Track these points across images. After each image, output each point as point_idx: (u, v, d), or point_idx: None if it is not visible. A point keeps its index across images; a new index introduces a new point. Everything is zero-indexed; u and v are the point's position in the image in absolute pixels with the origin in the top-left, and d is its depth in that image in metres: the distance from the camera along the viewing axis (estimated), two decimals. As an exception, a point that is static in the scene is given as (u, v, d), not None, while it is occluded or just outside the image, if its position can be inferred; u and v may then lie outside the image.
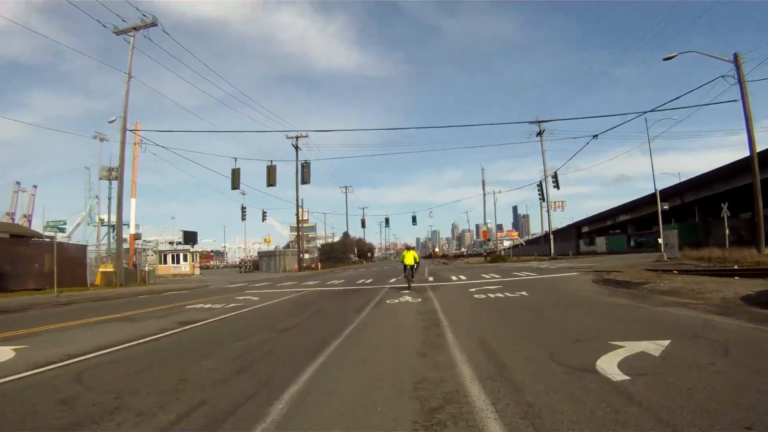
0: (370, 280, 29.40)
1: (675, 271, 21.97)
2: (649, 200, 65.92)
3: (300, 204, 64.73)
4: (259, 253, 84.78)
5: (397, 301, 15.68)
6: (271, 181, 33.34)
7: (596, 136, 33.59)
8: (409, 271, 21.74)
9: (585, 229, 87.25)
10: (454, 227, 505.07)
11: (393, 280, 28.55)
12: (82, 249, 36.80)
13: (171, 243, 76.09)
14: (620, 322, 9.40)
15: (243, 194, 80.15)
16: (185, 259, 57.52)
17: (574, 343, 7.42)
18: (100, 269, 36.26)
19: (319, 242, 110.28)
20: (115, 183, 39.38)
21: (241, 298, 20.39)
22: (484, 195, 68.41)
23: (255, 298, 19.80)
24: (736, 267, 22.24)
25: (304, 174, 33.69)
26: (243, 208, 53.63)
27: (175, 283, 39.71)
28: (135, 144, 37.96)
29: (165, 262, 57.53)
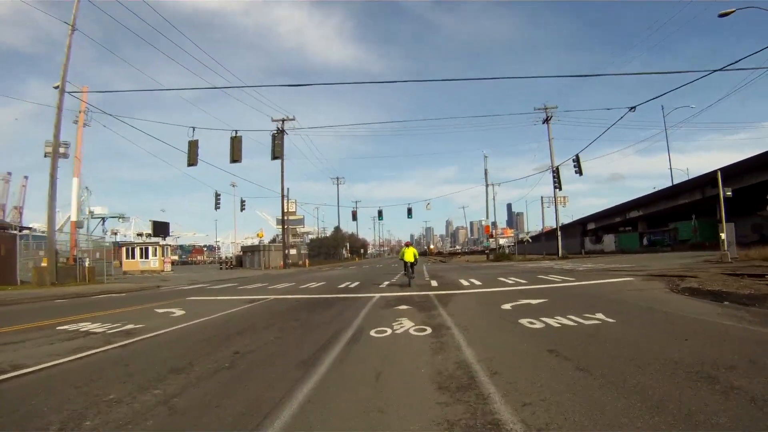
0: (356, 284, 22.66)
1: (769, 276, 15.58)
2: (667, 194, 59.42)
3: (285, 194, 57.97)
4: (242, 248, 77.90)
5: (389, 332, 8.78)
6: (235, 156, 26.49)
7: (634, 108, 26.96)
8: (409, 268, 20.74)
9: (591, 226, 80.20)
10: (448, 224, 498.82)
11: (385, 284, 21.93)
12: (11, 239, 29.90)
13: (140, 235, 69.02)
14: None
15: (233, 186, 73.48)
16: (154, 254, 50.39)
17: None
18: (43, 264, 29.58)
19: (311, 237, 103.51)
20: (63, 161, 31.97)
21: (162, 311, 13.77)
22: (487, 186, 61.63)
23: (179, 313, 13.17)
24: None
25: (276, 147, 26.74)
26: (217, 196, 46.50)
27: (131, 281, 32.88)
28: (80, 112, 31.16)
29: (132, 257, 50.48)
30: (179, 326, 10.67)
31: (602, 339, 7.35)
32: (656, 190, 63.19)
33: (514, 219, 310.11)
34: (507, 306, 11.59)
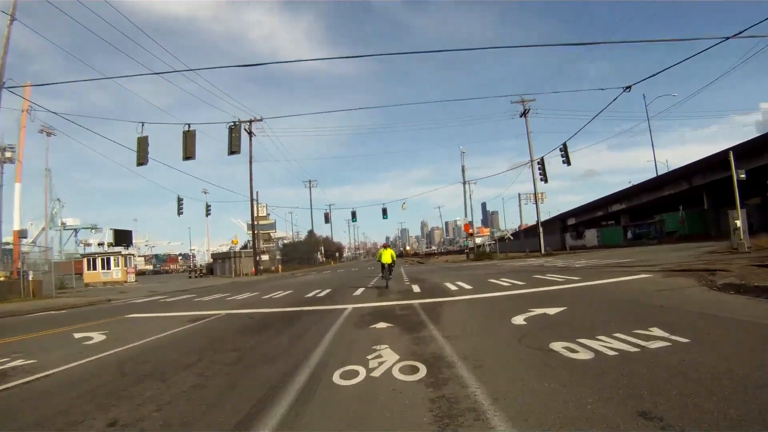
0: (327, 291, 19.69)
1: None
2: (650, 186, 57.29)
3: (255, 197, 54.61)
4: (213, 255, 74.02)
5: (362, 374, 5.73)
6: (188, 153, 23.02)
7: (629, 87, 24.35)
8: (387, 270, 20.02)
9: (571, 221, 77.88)
10: (423, 225, 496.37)
11: (360, 290, 19.04)
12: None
13: (101, 245, 64.86)
14: None
15: (205, 193, 69.85)
16: (116, 264, 46.58)
17: None
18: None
19: (285, 242, 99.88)
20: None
21: (79, 336, 10.85)
22: (465, 183, 58.85)
23: (98, 339, 10.23)
24: None
25: (233, 141, 23.30)
26: (179, 201, 42.90)
27: (86, 295, 29.24)
28: (23, 111, 27.78)
29: (94, 268, 46.68)
30: (77, 363, 7.66)
31: (703, 378, 4.53)
32: (639, 182, 61.12)
33: (489, 218, 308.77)
34: (519, 319, 8.72)
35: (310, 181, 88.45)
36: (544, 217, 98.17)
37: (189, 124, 22.62)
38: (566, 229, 78.24)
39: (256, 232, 55.04)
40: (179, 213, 42.73)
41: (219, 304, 17.56)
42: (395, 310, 11.72)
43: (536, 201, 54.42)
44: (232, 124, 22.93)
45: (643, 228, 60.29)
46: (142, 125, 23.67)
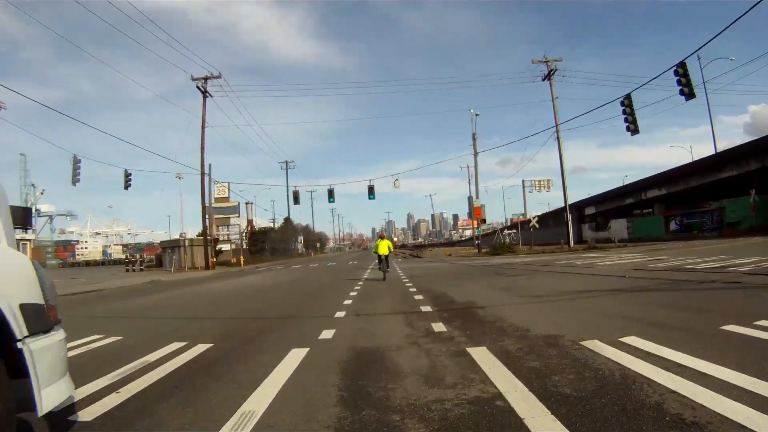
0: (197, 354, 6.39)
1: None
2: (703, 166, 44.53)
3: (207, 171, 41.25)
4: (161, 243, 60.46)
5: None
6: None
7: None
8: (384, 262, 17.86)
9: (590, 210, 64.64)
10: (409, 217, 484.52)
11: (295, 358, 5.52)
12: None
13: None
14: None
15: (179, 178, 56.52)
16: (3, 253, 32.97)
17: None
18: None
19: (256, 229, 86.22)
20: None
21: None
22: (475, 154, 45.49)
23: None
24: None
25: None
26: (75, 162, 29.32)
27: None
28: None
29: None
30: None
31: None
32: (685, 162, 48.41)
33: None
34: None
35: (287, 162, 74.45)
36: (543, 209, 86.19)
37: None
38: (583, 220, 65.35)
39: (207, 214, 41.80)
40: (74, 182, 29.66)
41: None
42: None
43: (563, 178, 41.81)
44: None
45: (693, 218, 47.27)
46: None
